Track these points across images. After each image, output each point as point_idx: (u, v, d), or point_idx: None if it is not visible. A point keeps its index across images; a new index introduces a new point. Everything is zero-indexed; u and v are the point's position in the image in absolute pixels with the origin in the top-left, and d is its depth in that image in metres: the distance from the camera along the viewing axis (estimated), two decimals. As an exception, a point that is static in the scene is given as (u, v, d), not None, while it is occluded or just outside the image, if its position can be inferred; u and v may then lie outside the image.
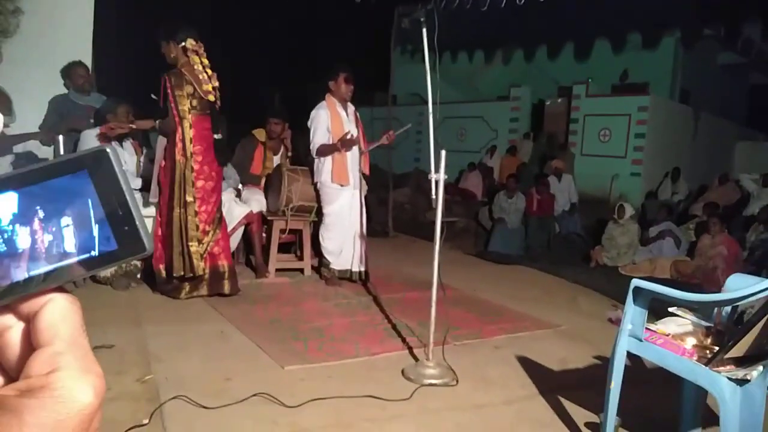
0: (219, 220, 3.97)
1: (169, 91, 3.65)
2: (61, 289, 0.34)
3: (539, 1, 5.58)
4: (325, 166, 4.38)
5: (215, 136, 3.83)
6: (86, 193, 0.38)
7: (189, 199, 3.76)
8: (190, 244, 3.77)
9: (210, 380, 2.61)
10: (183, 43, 3.67)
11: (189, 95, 3.66)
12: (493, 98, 12.66)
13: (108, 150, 0.38)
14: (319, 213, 4.60)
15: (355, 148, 4.40)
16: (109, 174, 0.38)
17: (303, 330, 3.42)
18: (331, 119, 4.33)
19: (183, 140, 3.69)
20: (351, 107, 4.50)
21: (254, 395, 2.44)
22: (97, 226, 0.38)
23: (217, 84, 3.79)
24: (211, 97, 3.72)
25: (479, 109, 12.33)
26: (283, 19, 10.99)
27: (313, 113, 4.42)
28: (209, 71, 3.75)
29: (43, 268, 0.35)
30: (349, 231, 4.50)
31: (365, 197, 4.64)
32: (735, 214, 7.93)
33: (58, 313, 0.32)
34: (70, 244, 0.37)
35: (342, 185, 4.37)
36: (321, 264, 4.66)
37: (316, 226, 4.77)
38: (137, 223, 0.38)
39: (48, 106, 4.37)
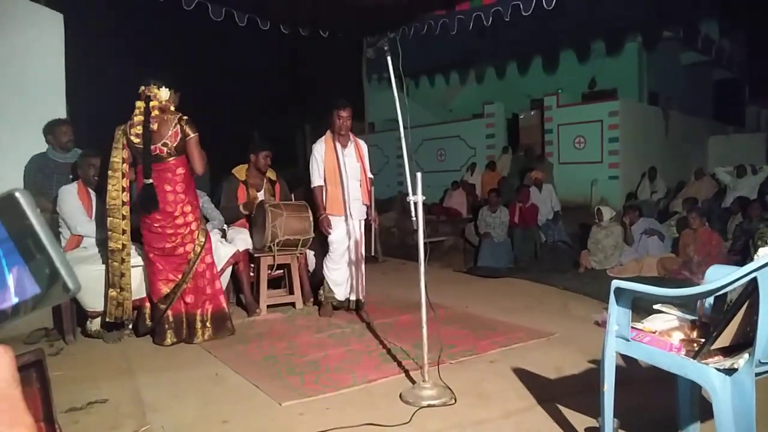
0: (189, 272, 3.86)
1: None
2: None
3: (505, 20, 5.76)
4: (326, 197, 4.52)
5: (145, 181, 3.68)
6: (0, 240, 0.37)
7: (113, 246, 3.75)
8: (110, 290, 3.80)
9: (207, 425, 2.59)
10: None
11: (123, 146, 3.73)
12: (468, 117, 12.86)
13: (17, 194, 0.38)
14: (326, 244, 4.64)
15: (350, 179, 4.48)
16: (21, 218, 0.37)
17: (298, 364, 3.40)
18: (325, 152, 4.49)
19: (110, 191, 3.73)
20: (355, 141, 4.61)
21: (253, 435, 2.42)
22: (14, 272, 0.37)
23: (171, 132, 3.67)
24: (135, 139, 3.67)
25: (456, 129, 12.50)
26: (254, 58, 11.13)
27: (313, 147, 4.60)
28: (170, 115, 3.71)
29: None
30: (349, 260, 4.54)
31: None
32: (714, 207, 8.08)
33: None
34: None
35: (337, 215, 4.47)
36: (323, 295, 4.62)
37: (318, 259, 4.78)
38: (57, 264, 0.37)
39: (27, 166, 4.36)
